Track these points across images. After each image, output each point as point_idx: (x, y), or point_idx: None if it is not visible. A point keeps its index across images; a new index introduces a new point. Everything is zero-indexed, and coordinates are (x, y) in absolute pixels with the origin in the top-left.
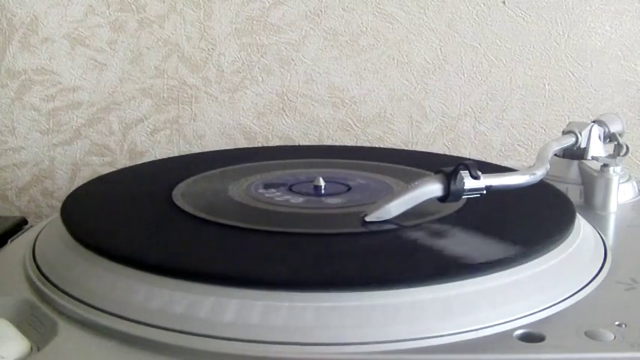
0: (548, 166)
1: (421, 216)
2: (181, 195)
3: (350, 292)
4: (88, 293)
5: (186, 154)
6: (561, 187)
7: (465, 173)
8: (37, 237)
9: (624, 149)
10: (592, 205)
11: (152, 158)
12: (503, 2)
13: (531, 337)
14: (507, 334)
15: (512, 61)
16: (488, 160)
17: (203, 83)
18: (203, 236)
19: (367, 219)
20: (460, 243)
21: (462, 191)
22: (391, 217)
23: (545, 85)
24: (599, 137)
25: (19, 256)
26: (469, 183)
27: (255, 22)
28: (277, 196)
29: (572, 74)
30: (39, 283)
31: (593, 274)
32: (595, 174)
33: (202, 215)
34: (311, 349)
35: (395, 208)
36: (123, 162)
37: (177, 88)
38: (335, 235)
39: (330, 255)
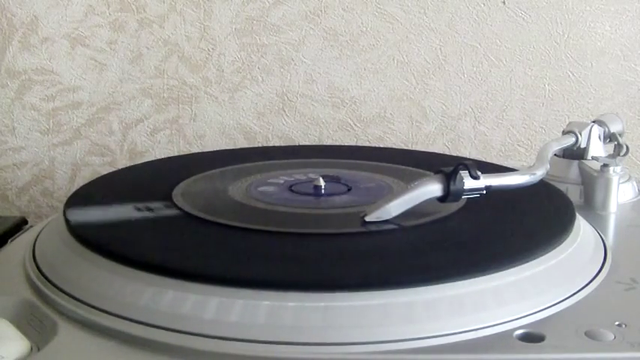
0: (548, 166)
1: (421, 216)
2: (181, 195)
3: (349, 292)
4: (88, 293)
5: (186, 154)
6: (561, 187)
7: (464, 173)
8: (37, 237)
9: (624, 149)
10: (592, 205)
11: (152, 158)
12: (504, 2)
13: (531, 337)
14: (507, 334)
15: (512, 61)
16: (488, 160)
17: (203, 83)
18: (203, 236)
19: (367, 219)
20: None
21: (462, 191)
22: (391, 217)
23: (545, 85)
24: (599, 137)
25: (19, 256)
26: (469, 183)
27: (255, 22)
28: (277, 196)
29: (572, 74)
30: (39, 283)
31: (593, 274)
32: (595, 174)
33: (202, 215)
34: (310, 349)
35: (395, 208)
36: (123, 162)
37: (177, 88)
38: (335, 235)
39: (330, 255)
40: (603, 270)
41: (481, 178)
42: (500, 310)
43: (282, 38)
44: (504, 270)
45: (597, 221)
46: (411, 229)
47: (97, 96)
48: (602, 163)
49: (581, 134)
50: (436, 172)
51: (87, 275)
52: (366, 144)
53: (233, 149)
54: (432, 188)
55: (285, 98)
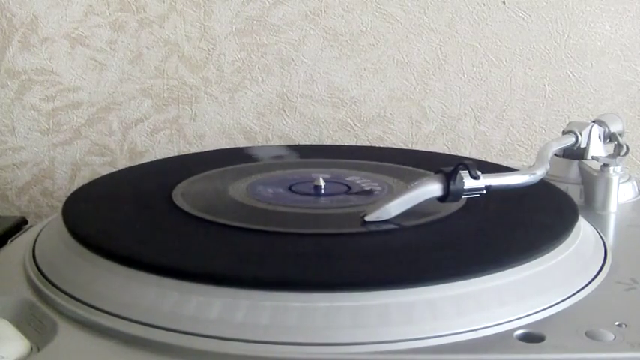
0: (548, 166)
1: (421, 216)
2: (181, 195)
3: (349, 292)
4: (88, 293)
5: (186, 154)
6: (561, 187)
7: (464, 173)
8: (37, 237)
9: (624, 149)
10: (592, 205)
11: (152, 158)
12: (504, 2)
13: (531, 337)
14: (507, 334)
15: (512, 61)
16: (489, 160)
17: (203, 83)
18: (203, 236)
19: (367, 219)
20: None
21: (462, 191)
22: (391, 217)
23: (545, 85)
24: (599, 137)
25: (19, 256)
26: (469, 183)
27: (255, 22)
28: (277, 196)
29: (572, 74)
30: (39, 283)
31: (593, 274)
32: (595, 174)
33: (202, 215)
34: (310, 349)
35: (395, 208)
36: (123, 162)
37: (177, 88)
38: (335, 235)
39: (330, 255)
40: (603, 270)
41: (481, 178)
42: (500, 310)
43: (282, 38)
44: (504, 270)
45: (597, 221)
46: (411, 229)
47: (97, 96)
48: (602, 163)
49: (581, 134)
50: (436, 172)
51: (87, 275)
52: (366, 144)
53: (233, 149)
54: (432, 188)
55: (285, 98)
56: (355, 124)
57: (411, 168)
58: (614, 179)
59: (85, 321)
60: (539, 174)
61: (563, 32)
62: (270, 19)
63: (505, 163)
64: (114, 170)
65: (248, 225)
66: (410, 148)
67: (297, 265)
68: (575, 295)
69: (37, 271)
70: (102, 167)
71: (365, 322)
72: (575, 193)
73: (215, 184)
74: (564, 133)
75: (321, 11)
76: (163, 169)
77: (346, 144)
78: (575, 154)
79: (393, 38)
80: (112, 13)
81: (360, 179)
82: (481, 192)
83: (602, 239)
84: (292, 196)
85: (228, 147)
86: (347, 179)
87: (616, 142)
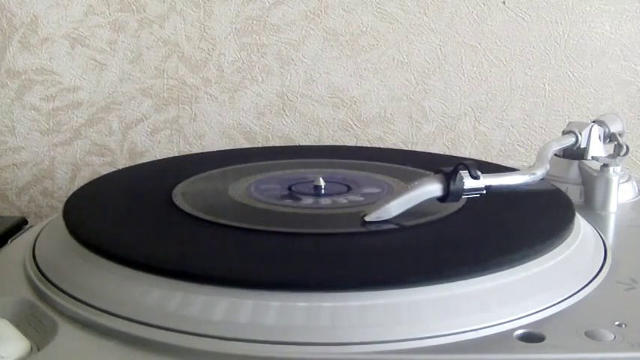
0: (548, 166)
1: (421, 216)
2: (181, 195)
3: (349, 292)
4: (88, 293)
5: (186, 154)
6: (561, 187)
7: (464, 173)
8: (37, 237)
9: (624, 149)
10: (592, 205)
11: (152, 158)
12: (504, 2)
13: (531, 337)
14: (507, 334)
15: (512, 61)
16: (489, 160)
17: (203, 83)
18: (203, 236)
19: (367, 219)
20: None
21: (462, 191)
22: (391, 217)
23: (545, 85)
24: (599, 137)
25: (19, 256)
26: (469, 183)
27: (255, 22)
28: (277, 196)
29: (572, 74)
30: (39, 283)
31: (593, 274)
32: (595, 174)
33: (202, 215)
34: (310, 349)
35: (395, 208)
36: (123, 162)
37: (177, 88)
38: (335, 235)
39: (330, 255)
40: (603, 270)
41: (481, 178)
42: (500, 310)
43: (282, 38)
44: (504, 270)
45: (597, 221)
46: (411, 229)
47: (97, 96)
48: (602, 163)
49: (581, 134)
50: (436, 172)
51: (87, 275)
52: (366, 144)
53: (233, 149)
54: (432, 188)
55: (285, 98)
56: (355, 124)
57: (411, 168)
58: (614, 179)
59: (85, 321)
60: (539, 174)
61: (563, 32)
62: (270, 19)
63: (505, 163)
64: (114, 170)
65: (248, 225)
66: (410, 148)
67: (296, 265)
68: (575, 295)
69: (37, 271)
70: (102, 167)
71: (364, 322)
72: (575, 193)
73: (215, 184)
74: (564, 133)
75: (321, 11)
76: (163, 169)
77: (346, 144)
78: (575, 154)
79: (393, 38)
80: (112, 13)
81: (359, 179)
82: (481, 192)
83: (602, 239)
84: (292, 196)
85: (228, 147)
86: (347, 179)
87: (616, 142)
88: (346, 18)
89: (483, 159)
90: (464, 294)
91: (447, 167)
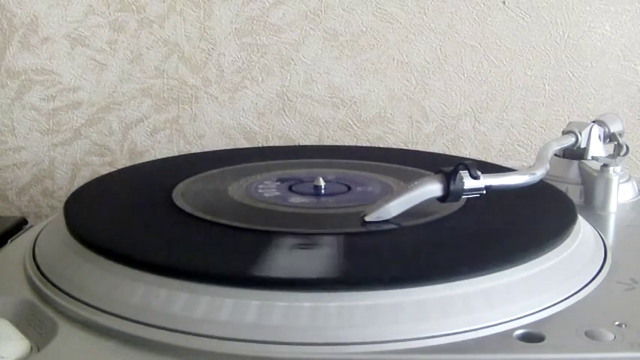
0: (548, 166)
1: (421, 216)
2: (181, 195)
3: (349, 292)
4: (88, 293)
5: (186, 154)
6: (561, 187)
7: (464, 173)
8: (37, 237)
9: (624, 149)
10: (592, 205)
11: (152, 158)
12: (504, 2)
13: (531, 337)
14: (507, 334)
15: (512, 61)
16: (489, 160)
17: (203, 83)
18: (203, 236)
19: (367, 219)
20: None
21: (462, 191)
22: (391, 217)
23: (545, 85)
24: (599, 137)
25: (19, 256)
26: (469, 183)
27: (255, 22)
28: (277, 196)
29: (572, 74)
30: (39, 283)
31: (593, 274)
32: (595, 174)
33: (202, 215)
34: (310, 349)
35: (394, 208)
36: (123, 162)
37: (177, 88)
38: (335, 235)
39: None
40: (603, 270)
41: (481, 178)
42: (500, 310)
43: (282, 38)
44: (504, 270)
45: (597, 221)
46: (411, 229)
47: (97, 96)
48: (602, 163)
49: (581, 134)
50: (436, 172)
51: (87, 275)
52: (366, 144)
53: (233, 149)
54: (432, 188)
55: (285, 98)
56: (355, 124)
57: (411, 168)
58: (614, 179)
59: (85, 321)
60: (539, 174)
61: (563, 32)
62: (270, 19)
63: (505, 163)
64: (114, 170)
65: (248, 225)
66: (410, 148)
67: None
68: (575, 295)
69: (37, 271)
70: (102, 167)
71: (363, 322)
72: (575, 193)
73: (215, 184)
74: (564, 133)
75: (321, 11)
76: (163, 169)
77: (346, 144)
78: (575, 154)
79: (393, 38)
80: (112, 13)
81: (359, 179)
82: (481, 192)
83: (602, 239)
84: (292, 196)
85: (228, 147)
86: (347, 179)
87: (616, 142)
88: (346, 18)
89: (483, 159)
90: (464, 294)
91: (446, 167)
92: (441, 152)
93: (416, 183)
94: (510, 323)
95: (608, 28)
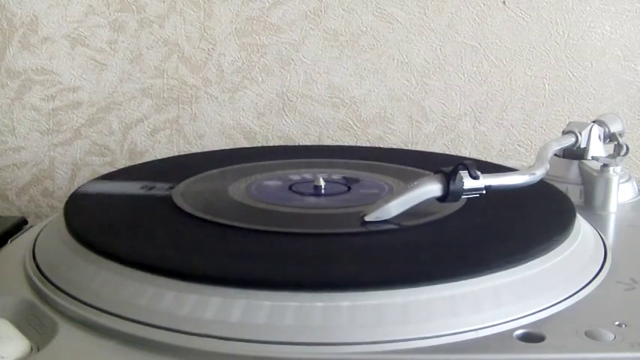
0: (548, 166)
1: (421, 216)
2: (181, 195)
3: (349, 292)
4: (88, 293)
5: (186, 154)
6: (561, 187)
7: (464, 173)
8: (37, 237)
9: (624, 149)
10: (592, 205)
11: (152, 158)
12: (504, 2)
13: (531, 337)
14: (507, 334)
15: (512, 61)
16: (489, 160)
17: (203, 83)
18: (203, 236)
19: (367, 219)
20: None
21: (462, 191)
22: (391, 217)
23: (545, 85)
24: (599, 137)
25: (19, 256)
26: (468, 183)
27: (255, 22)
28: (277, 196)
29: (572, 74)
30: (39, 283)
31: (593, 274)
32: (595, 174)
33: (202, 215)
34: (310, 349)
35: (394, 208)
36: (123, 162)
37: (177, 88)
38: (335, 235)
39: (330, 255)
40: (603, 270)
41: (481, 178)
42: (500, 310)
43: (282, 38)
44: (504, 270)
45: (597, 221)
46: (411, 229)
47: (97, 96)
48: (602, 163)
49: (581, 134)
50: (436, 172)
51: (87, 275)
52: (366, 144)
53: (233, 149)
54: (432, 188)
55: (285, 98)
56: (355, 124)
57: (411, 168)
58: (614, 179)
59: (85, 321)
60: (538, 174)
61: (563, 32)
62: (270, 19)
63: (505, 163)
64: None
65: (248, 225)
66: (410, 148)
67: (296, 265)
68: (575, 295)
69: (37, 271)
70: (102, 167)
71: (363, 322)
72: (575, 193)
73: (215, 184)
74: (564, 133)
75: (321, 11)
76: (163, 169)
77: (346, 144)
78: (575, 154)
79: (393, 38)
80: (112, 13)
81: (359, 179)
82: (481, 192)
83: (602, 239)
84: (292, 196)
85: (228, 147)
86: (347, 179)
87: (616, 142)
88: (346, 18)
89: (483, 159)
90: (464, 294)
91: (446, 167)
92: (441, 152)
93: (416, 183)
94: (510, 323)
95: (608, 28)
